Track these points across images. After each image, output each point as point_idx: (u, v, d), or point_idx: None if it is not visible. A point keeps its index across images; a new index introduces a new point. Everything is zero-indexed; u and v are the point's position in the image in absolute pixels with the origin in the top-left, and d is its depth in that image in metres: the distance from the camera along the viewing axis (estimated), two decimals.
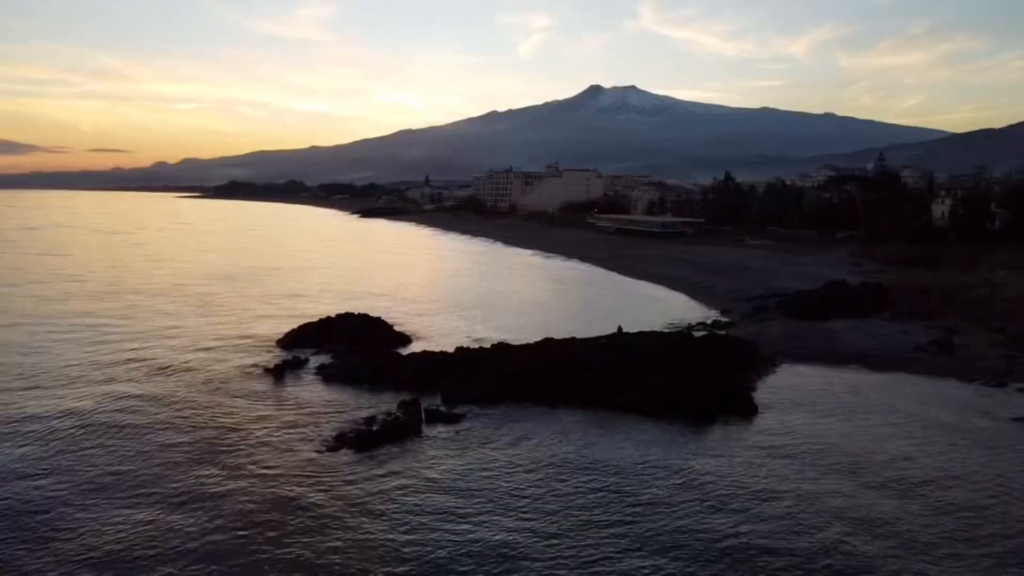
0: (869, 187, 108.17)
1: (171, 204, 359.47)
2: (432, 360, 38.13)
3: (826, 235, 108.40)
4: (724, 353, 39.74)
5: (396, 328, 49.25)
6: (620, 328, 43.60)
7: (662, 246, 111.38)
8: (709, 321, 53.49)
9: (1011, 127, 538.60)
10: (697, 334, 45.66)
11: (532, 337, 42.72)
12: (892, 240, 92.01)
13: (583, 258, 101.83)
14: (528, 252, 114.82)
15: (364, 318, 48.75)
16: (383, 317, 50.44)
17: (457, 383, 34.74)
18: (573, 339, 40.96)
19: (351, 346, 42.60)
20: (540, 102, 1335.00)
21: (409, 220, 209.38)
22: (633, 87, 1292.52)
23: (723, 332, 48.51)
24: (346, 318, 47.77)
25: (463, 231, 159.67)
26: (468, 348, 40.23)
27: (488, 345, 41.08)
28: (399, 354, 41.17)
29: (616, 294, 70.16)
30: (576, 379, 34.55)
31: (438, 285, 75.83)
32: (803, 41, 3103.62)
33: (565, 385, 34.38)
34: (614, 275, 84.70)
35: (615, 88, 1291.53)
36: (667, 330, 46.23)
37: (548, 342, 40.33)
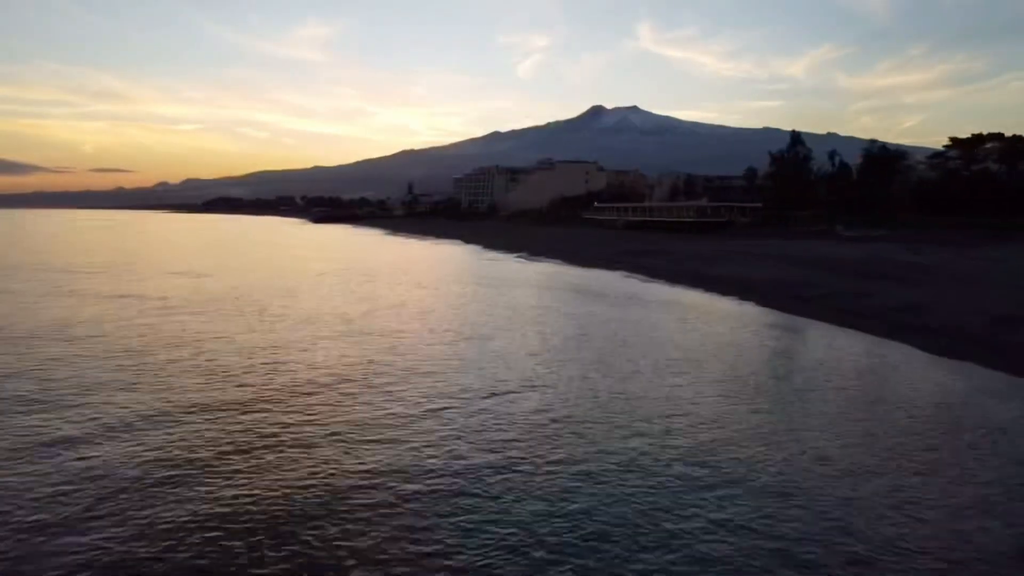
0: None
1: (142, 217, 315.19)
2: None
3: (995, 221, 62.94)
4: None
5: None
6: None
7: (705, 242, 65.69)
8: None
9: None
10: None
11: None
12: None
13: (570, 259, 55.71)
14: (484, 251, 69.17)
15: None
16: None
17: None
18: None
19: None
20: (542, 122, 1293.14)
21: (368, 225, 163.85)
22: (635, 107, 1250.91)
23: None
24: None
25: (423, 233, 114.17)
26: None
27: None
28: None
29: (638, 311, 24.39)
30: None
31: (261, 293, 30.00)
32: (802, 62, 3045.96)
33: None
34: (632, 281, 38.73)
35: (617, 108, 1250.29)
36: None
37: None
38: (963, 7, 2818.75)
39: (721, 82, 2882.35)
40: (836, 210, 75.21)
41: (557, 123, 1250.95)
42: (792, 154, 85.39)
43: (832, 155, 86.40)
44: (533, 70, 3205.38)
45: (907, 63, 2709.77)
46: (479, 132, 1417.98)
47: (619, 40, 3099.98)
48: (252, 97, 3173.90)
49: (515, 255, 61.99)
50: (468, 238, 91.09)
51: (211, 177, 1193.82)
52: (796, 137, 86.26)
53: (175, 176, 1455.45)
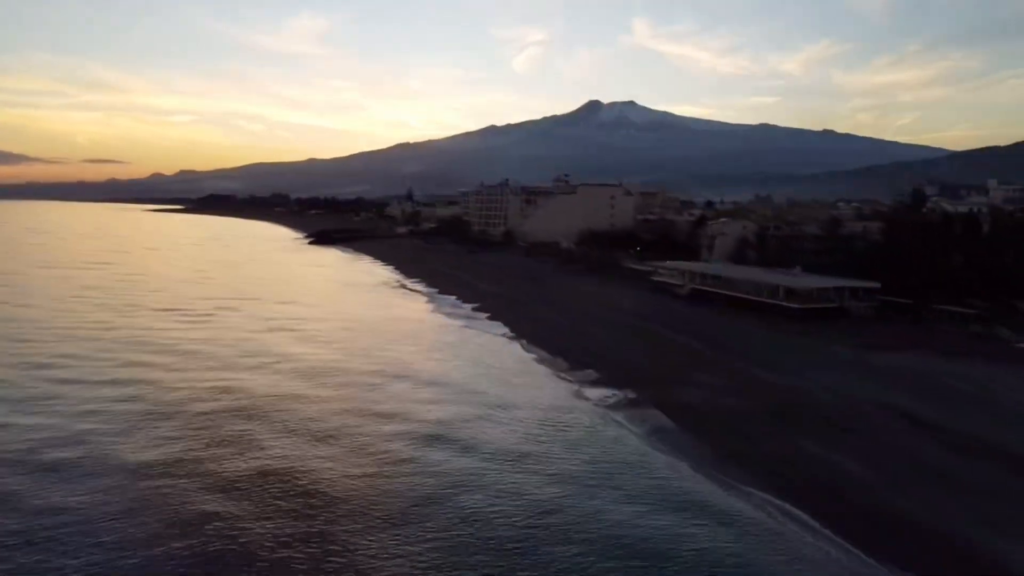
0: None
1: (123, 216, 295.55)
2: None
3: None
4: None
5: None
6: None
7: (823, 343, 47.77)
8: None
9: (1015, 145, 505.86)
10: None
11: None
12: None
13: (675, 417, 37.10)
14: (526, 352, 50.88)
15: None
16: None
17: None
18: None
19: None
20: (538, 116, 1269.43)
21: (366, 251, 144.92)
22: (632, 102, 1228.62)
23: None
24: None
25: (435, 282, 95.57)
26: None
27: None
28: None
29: None
30: None
31: None
32: (798, 58, 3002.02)
33: None
34: None
35: (614, 104, 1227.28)
36: None
37: None
38: (960, 5, 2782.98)
39: (718, 78, 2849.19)
40: (972, 292, 57.36)
41: (554, 117, 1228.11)
42: (916, 211, 64.26)
43: (974, 214, 64.77)
44: (529, 64, 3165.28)
45: (904, 60, 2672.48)
46: (475, 126, 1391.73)
47: (615, 35, 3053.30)
48: (246, 89, 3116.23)
49: (571, 376, 43.70)
50: (498, 307, 72.86)
51: (206, 169, 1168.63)
52: (920, 195, 65.45)
53: (169, 168, 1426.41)
